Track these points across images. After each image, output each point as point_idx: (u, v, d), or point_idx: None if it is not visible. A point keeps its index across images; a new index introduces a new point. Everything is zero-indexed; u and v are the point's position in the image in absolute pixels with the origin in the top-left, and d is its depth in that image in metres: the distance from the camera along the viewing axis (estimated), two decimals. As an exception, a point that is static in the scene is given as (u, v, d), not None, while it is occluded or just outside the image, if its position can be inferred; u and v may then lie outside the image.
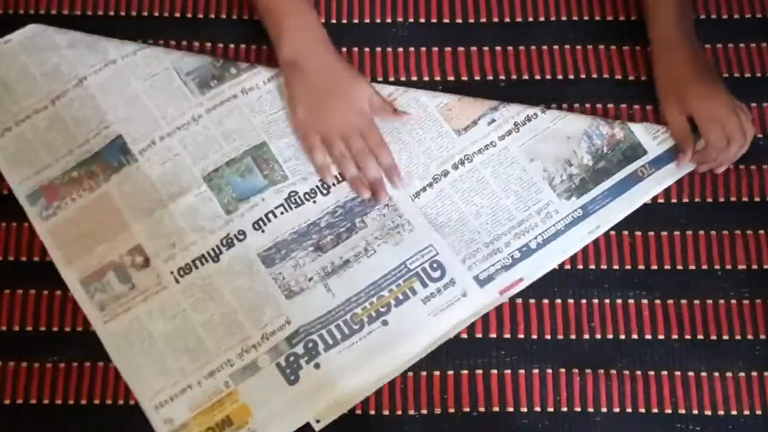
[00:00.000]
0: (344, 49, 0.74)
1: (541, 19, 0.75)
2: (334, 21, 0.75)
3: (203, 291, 0.66)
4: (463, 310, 0.66)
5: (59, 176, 0.69)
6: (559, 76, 0.73)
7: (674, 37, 0.69)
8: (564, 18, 0.75)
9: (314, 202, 0.68)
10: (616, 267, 0.67)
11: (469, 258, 0.67)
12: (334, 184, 0.68)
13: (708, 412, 0.63)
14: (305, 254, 0.67)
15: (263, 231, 0.67)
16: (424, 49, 0.74)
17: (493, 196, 0.68)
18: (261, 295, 0.66)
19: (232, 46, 0.74)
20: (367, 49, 0.74)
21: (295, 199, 0.68)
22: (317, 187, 0.69)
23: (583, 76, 0.73)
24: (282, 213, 0.68)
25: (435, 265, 0.66)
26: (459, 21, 0.75)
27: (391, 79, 0.73)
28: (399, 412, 0.64)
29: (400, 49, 0.74)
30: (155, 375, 0.64)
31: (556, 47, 0.74)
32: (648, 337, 0.65)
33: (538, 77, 0.73)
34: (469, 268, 0.66)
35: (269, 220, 0.67)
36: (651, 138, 0.69)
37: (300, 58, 0.68)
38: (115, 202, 0.68)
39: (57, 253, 0.67)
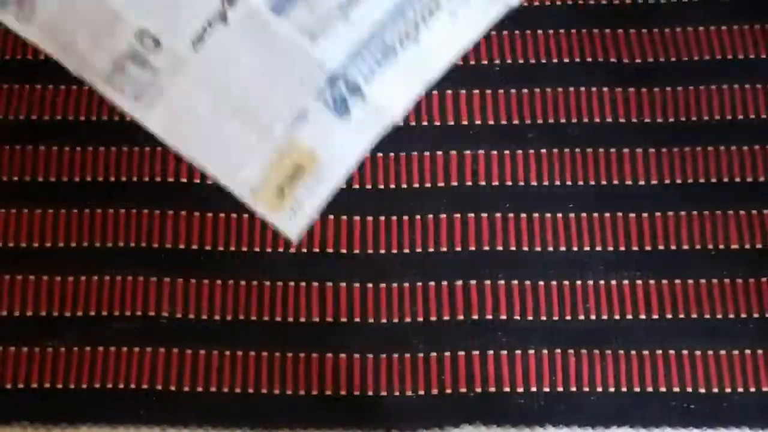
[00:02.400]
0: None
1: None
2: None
3: (226, 54, 0.64)
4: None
5: None
6: (554, 60, 0.73)
7: None
8: (559, 2, 0.75)
9: None
10: (610, 248, 0.68)
11: None
12: None
13: (702, 390, 0.64)
14: None
15: None
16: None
17: None
18: (284, 46, 0.64)
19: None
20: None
21: None
22: None
23: (578, 59, 0.73)
24: None
25: None
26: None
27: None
28: (396, 393, 0.64)
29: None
30: (215, 146, 0.62)
31: (551, 31, 0.74)
32: (642, 316, 0.66)
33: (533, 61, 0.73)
34: None
35: None
36: None
37: None
38: None
39: (64, 58, 0.63)
